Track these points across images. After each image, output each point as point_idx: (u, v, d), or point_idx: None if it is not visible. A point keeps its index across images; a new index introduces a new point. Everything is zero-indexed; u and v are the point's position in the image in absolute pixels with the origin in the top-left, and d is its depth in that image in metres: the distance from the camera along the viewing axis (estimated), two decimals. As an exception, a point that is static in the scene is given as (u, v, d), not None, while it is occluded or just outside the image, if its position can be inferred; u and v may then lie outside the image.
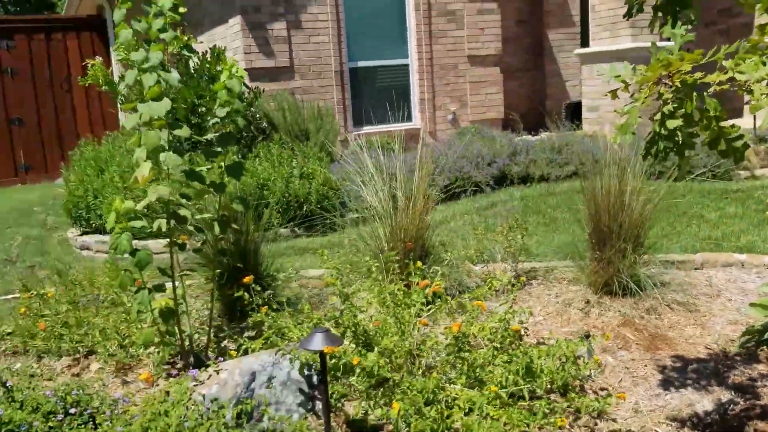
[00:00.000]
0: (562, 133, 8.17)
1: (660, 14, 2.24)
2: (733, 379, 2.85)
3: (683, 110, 1.90)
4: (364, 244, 4.03)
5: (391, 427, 2.60)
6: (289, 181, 5.51)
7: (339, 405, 2.81)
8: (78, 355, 3.54)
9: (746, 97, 1.99)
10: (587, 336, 3.07)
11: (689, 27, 2.22)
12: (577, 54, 9.42)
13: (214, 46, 6.37)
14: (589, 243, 3.85)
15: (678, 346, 3.20)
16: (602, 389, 2.90)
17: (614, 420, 2.67)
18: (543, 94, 10.70)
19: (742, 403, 2.66)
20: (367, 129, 8.75)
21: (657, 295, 3.63)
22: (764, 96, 1.93)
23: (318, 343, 2.51)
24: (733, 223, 5.35)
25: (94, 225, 6.01)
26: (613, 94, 2.05)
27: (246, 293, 3.16)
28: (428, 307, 3.16)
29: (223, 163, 3.17)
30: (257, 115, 6.62)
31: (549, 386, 2.79)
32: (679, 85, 1.90)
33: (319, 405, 2.76)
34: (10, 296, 4.84)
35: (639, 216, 3.71)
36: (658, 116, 1.94)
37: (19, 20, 12.53)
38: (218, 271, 3.46)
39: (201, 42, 7.01)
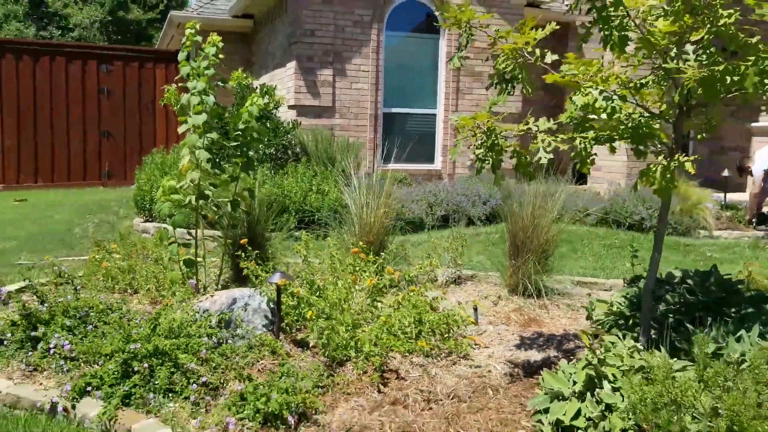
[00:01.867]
0: (565, 186, 9.32)
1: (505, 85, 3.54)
2: (566, 347, 4.01)
3: (487, 143, 3.18)
4: (342, 239, 5.37)
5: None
6: (307, 194, 6.92)
7: (293, 333, 4.12)
8: (126, 293, 4.97)
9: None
10: (475, 308, 4.28)
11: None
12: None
13: (263, 84, 7.94)
14: (508, 254, 5.07)
15: (545, 327, 4.38)
16: (475, 344, 4.09)
17: (473, 360, 3.86)
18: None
19: (561, 357, 3.82)
20: (393, 165, 10.12)
21: (551, 297, 4.81)
22: (543, 140, 3.20)
23: (276, 277, 3.86)
24: (667, 265, 6.40)
25: (154, 215, 7.56)
26: (456, 132, 3.36)
27: (243, 253, 4.52)
28: (369, 278, 4.45)
29: (239, 162, 4.60)
30: (293, 142, 8.12)
31: (438, 335, 4.02)
32: (486, 130, 3.19)
33: (277, 327, 4.06)
34: (84, 257, 6.38)
35: (545, 237, 4.91)
36: (472, 147, 3.23)
37: (119, 48, 14.64)
38: (230, 241, 4.85)
39: (260, 80, 8.59)
